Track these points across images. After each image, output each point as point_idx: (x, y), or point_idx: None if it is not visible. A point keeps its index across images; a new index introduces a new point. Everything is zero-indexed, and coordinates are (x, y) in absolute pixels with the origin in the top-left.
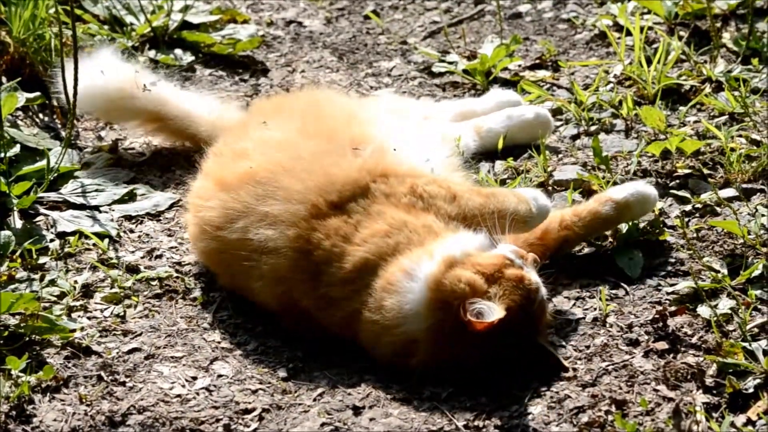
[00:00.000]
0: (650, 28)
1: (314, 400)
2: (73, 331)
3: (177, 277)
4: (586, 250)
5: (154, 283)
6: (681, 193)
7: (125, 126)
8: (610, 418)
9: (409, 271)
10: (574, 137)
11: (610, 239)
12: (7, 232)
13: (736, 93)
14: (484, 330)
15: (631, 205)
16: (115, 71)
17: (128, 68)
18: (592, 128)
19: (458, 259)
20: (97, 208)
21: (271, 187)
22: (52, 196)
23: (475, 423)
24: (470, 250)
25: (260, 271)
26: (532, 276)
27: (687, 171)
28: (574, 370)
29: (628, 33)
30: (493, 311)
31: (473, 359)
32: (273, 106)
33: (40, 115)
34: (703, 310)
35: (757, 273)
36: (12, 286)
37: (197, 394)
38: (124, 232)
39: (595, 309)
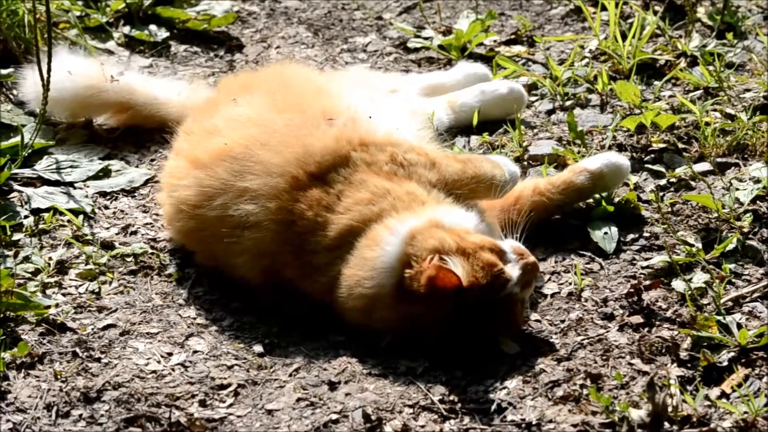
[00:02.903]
0: (625, 3)
1: (290, 375)
2: (48, 307)
3: (152, 254)
4: (562, 224)
5: (129, 259)
6: (656, 167)
7: (96, 119)
8: (585, 391)
9: (393, 227)
10: (550, 112)
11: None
12: None
13: (711, 67)
14: (436, 285)
15: (605, 175)
16: (80, 69)
17: (92, 64)
18: (568, 103)
19: (444, 225)
20: (71, 184)
21: (248, 162)
22: (27, 172)
23: (451, 397)
24: (459, 224)
25: (242, 246)
26: (510, 270)
27: (662, 145)
28: (550, 345)
29: (604, 8)
30: (455, 264)
31: (425, 327)
32: (241, 82)
33: (14, 91)
34: (678, 284)
35: (731, 247)
36: None
37: (173, 370)
38: (99, 208)
39: (570, 283)
